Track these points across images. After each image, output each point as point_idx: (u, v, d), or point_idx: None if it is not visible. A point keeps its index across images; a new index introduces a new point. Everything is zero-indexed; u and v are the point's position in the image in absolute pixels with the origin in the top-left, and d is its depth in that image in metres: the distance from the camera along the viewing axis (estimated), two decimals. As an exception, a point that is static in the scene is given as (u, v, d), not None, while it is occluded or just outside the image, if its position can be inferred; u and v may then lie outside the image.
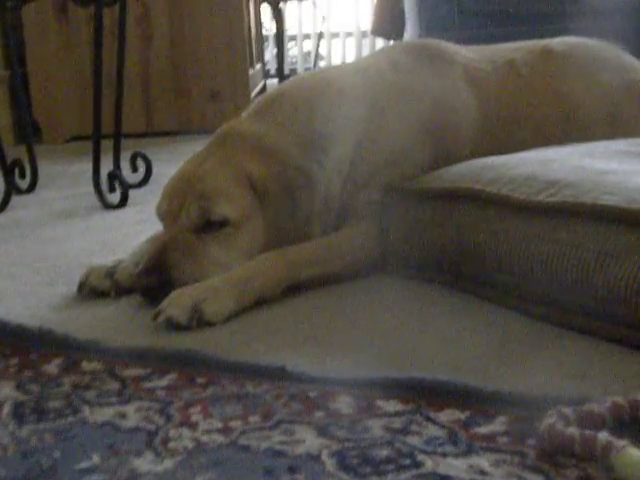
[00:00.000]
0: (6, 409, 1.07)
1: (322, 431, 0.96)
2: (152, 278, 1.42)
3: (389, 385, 1.06)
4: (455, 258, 1.46)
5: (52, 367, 1.21)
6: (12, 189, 2.44)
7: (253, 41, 4.35)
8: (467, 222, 1.43)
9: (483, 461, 0.88)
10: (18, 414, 1.05)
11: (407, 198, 1.56)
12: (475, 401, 1.00)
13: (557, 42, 1.86)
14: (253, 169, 1.51)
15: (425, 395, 1.03)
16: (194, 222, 1.47)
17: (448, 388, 1.03)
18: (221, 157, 1.54)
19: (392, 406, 1.02)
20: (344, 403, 1.03)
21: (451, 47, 1.84)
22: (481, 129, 1.71)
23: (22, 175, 2.64)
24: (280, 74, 6.19)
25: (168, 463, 0.91)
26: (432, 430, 0.95)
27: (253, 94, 4.04)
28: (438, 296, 1.44)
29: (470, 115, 1.72)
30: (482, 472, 0.86)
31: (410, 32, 4.46)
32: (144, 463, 0.91)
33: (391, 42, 5.67)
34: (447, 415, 0.98)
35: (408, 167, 1.63)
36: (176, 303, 1.35)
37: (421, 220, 1.52)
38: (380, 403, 1.03)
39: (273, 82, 5.92)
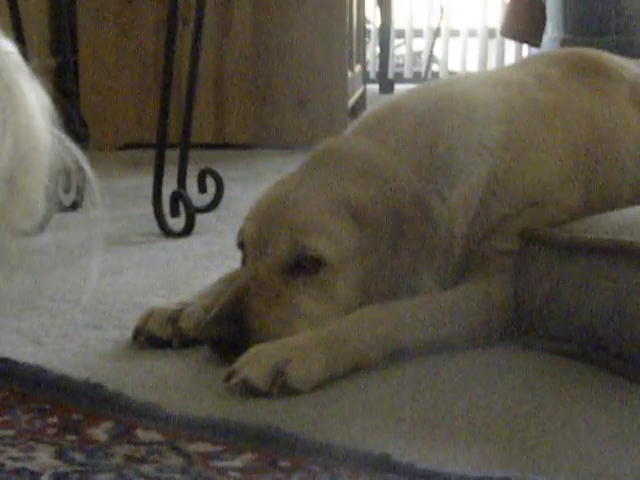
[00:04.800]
0: (44, 481, 1.09)
1: (438, 543, 0.96)
2: (227, 328, 1.44)
3: (525, 490, 1.05)
4: (611, 330, 1.44)
5: (100, 432, 1.23)
6: (54, 205, 2.50)
7: (354, 37, 4.40)
8: (629, 285, 1.41)
9: None
10: (59, 488, 1.08)
11: (552, 250, 1.55)
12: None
13: None
14: (357, 197, 1.53)
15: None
16: (283, 259, 1.49)
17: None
18: (320, 181, 1.56)
19: (529, 518, 1.00)
20: (466, 509, 1.03)
21: (615, 60, 1.83)
22: (651, 167, 1.69)
23: (66, 188, 2.71)
24: (382, 79, 6.26)
25: None
26: None
27: (350, 102, 4.08)
28: (585, 378, 1.43)
29: (637, 146, 1.70)
30: None
31: (551, 35, 4.44)
32: None
33: (525, 47, 5.66)
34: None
35: (554, 210, 1.62)
36: (255, 362, 1.36)
37: (568, 279, 1.51)
38: (513, 513, 1.02)
39: (374, 88, 5.97)
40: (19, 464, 1.13)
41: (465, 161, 1.62)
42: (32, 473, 1.11)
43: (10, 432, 1.23)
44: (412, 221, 1.54)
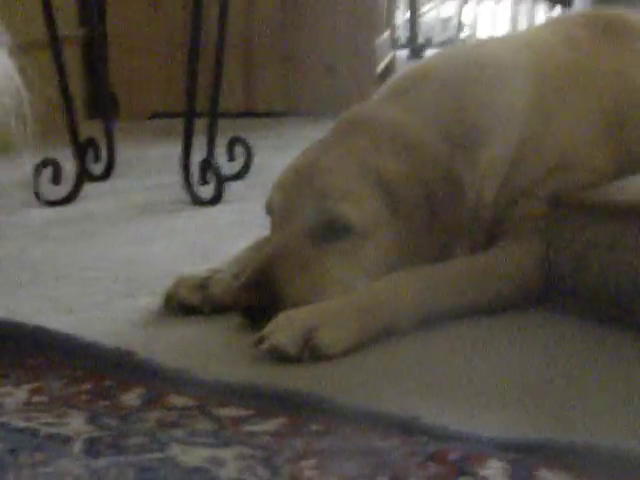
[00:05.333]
0: (78, 445, 1.11)
1: (468, 503, 0.96)
2: (257, 294, 1.45)
3: (555, 451, 1.05)
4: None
5: (132, 398, 1.24)
6: (84, 175, 2.52)
7: (383, 2, 4.38)
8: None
9: None
10: (93, 451, 1.09)
11: (581, 213, 1.54)
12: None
13: None
14: (386, 166, 1.52)
15: (602, 469, 1.02)
16: (311, 226, 1.49)
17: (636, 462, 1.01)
18: (347, 148, 1.56)
19: (559, 479, 1.00)
20: (496, 470, 1.03)
21: (641, 18, 1.82)
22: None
23: (96, 158, 2.73)
24: (412, 44, 6.22)
25: (275, 528, 0.92)
26: (612, 514, 0.94)
27: (379, 69, 4.06)
28: (614, 341, 1.42)
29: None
30: None
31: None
32: (246, 524, 0.93)
33: (556, 11, 5.61)
34: (632, 497, 0.97)
35: (584, 173, 1.61)
36: (285, 328, 1.37)
37: (598, 242, 1.51)
38: (544, 474, 1.02)
39: (403, 54, 5.94)
40: (53, 429, 1.15)
41: (494, 125, 1.61)
42: (66, 438, 1.13)
43: (44, 398, 1.25)
44: (443, 197, 1.53)
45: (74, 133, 2.53)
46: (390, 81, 1.75)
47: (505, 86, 1.64)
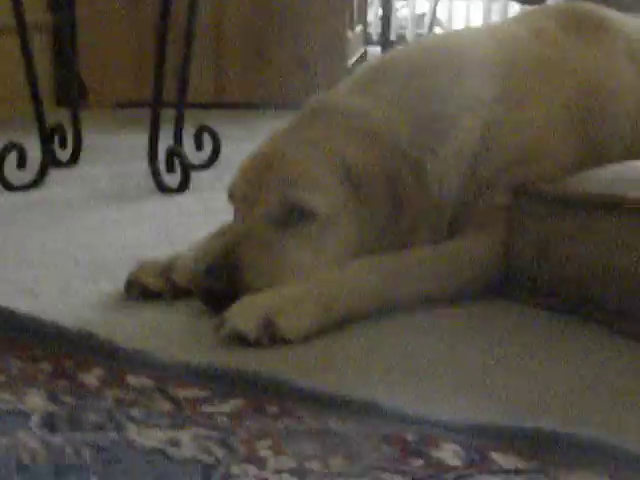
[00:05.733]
0: (35, 419, 1.12)
1: (421, 484, 0.98)
2: (218, 280, 1.46)
3: (507, 435, 1.07)
4: (598, 284, 1.46)
5: (91, 378, 1.25)
6: (50, 161, 2.52)
7: (355, -3, 4.40)
8: (622, 239, 1.43)
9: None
10: (48, 424, 1.10)
11: (544, 204, 1.56)
12: (618, 465, 1.00)
13: None
14: (349, 153, 1.54)
15: (553, 452, 1.04)
16: (273, 211, 1.50)
17: (584, 446, 1.03)
18: (311, 136, 1.57)
19: (510, 461, 1.02)
20: (449, 452, 1.05)
21: (612, 14, 1.84)
22: (645, 121, 1.70)
23: (63, 145, 2.73)
24: (384, 40, 6.24)
25: (228, 505, 0.94)
26: (561, 495, 0.96)
27: (350, 63, 4.08)
28: (570, 330, 1.45)
29: (632, 102, 1.71)
30: None
31: (555, -4, 4.44)
32: (199, 502, 0.94)
33: (528, 8, 5.65)
34: (582, 479, 0.98)
35: (547, 164, 1.63)
36: (245, 312, 1.38)
37: (560, 233, 1.53)
38: (495, 456, 1.04)
39: (375, 50, 5.96)
40: (10, 406, 1.16)
41: (458, 115, 1.63)
42: (23, 413, 1.14)
43: (2, 377, 1.25)
44: (406, 184, 1.55)
45: (40, 118, 2.53)
46: (357, 70, 1.76)
47: (470, 77, 1.66)
